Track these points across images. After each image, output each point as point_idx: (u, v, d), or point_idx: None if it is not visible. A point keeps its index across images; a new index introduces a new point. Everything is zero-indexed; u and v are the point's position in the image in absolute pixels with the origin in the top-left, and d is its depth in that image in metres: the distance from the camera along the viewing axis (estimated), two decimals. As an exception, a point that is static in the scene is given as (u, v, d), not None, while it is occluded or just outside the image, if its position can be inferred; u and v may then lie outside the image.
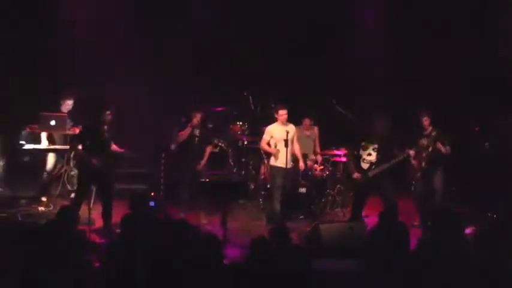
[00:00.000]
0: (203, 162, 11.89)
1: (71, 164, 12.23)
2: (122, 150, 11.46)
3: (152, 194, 10.07)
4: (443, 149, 11.48)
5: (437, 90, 14.13)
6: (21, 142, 11.99)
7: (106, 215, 11.01)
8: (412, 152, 11.27)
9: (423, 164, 11.63)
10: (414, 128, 11.83)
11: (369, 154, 11.13)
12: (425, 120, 11.71)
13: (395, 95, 14.37)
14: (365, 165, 11.16)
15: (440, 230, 8.27)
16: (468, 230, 9.54)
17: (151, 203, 9.88)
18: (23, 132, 12.19)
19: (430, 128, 11.69)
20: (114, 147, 11.34)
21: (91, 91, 12.84)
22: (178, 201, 11.92)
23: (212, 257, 7.73)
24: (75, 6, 13.64)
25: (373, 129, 11.16)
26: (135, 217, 9.06)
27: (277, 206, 11.65)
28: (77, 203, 10.78)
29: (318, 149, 13.11)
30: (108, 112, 11.02)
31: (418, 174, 11.77)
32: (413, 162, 11.65)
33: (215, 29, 14.95)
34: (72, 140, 11.29)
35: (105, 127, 11.04)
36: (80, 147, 10.95)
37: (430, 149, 11.56)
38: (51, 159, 12.43)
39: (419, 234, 10.26)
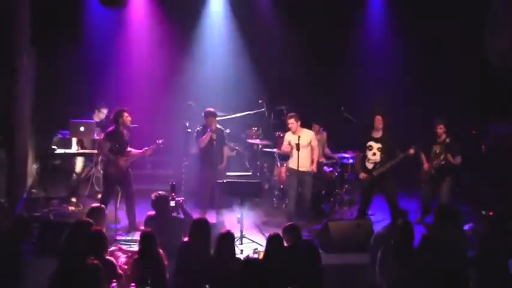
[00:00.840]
0: (224, 164, 12.00)
1: (99, 167, 12.35)
2: (142, 151, 11.53)
3: (173, 194, 10.13)
4: (452, 160, 11.46)
5: (439, 95, 14.17)
6: (53, 147, 12.13)
7: (130, 213, 11.14)
8: (412, 151, 11.25)
9: (433, 170, 11.62)
10: (429, 134, 11.84)
11: (374, 154, 11.30)
12: (440, 128, 11.72)
13: (399, 100, 14.46)
14: (370, 165, 11.34)
15: (441, 227, 8.37)
16: (467, 227, 9.60)
17: (172, 203, 9.95)
18: (55, 138, 12.36)
19: (444, 136, 11.69)
20: (133, 151, 11.43)
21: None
22: (198, 201, 12.03)
23: (230, 252, 7.85)
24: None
25: (376, 130, 11.29)
26: (157, 216, 9.18)
27: (291, 205, 11.80)
28: (104, 203, 10.88)
29: (326, 152, 13.17)
30: (126, 114, 11.14)
31: (427, 179, 11.76)
32: (425, 165, 11.67)
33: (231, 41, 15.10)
34: (103, 145, 11.38)
35: (125, 131, 11.16)
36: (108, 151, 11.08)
37: (442, 157, 11.53)
38: (79, 162, 12.59)
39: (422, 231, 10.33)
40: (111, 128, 11.23)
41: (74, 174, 12.50)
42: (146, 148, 11.59)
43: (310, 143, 11.77)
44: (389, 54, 15.07)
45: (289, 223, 8.72)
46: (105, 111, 12.68)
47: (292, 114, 11.83)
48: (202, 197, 11.97)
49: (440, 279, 7.49)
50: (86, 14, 13.65)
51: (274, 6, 15.14)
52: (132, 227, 11.04)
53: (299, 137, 11.49)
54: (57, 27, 12.82)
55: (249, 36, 15.08)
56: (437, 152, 11.66)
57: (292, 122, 11.71)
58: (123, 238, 10.56)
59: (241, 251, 9.87)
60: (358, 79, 15.12)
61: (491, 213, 10.76)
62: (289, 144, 11.70)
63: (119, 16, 13.80)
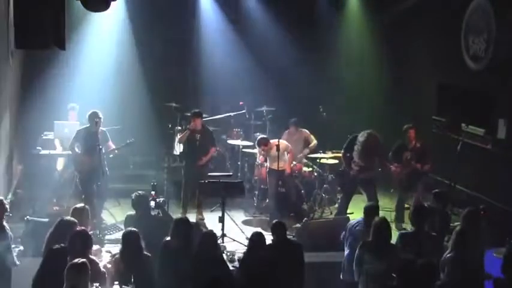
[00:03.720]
0: (205, 159, 12.04)
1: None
2: (112, 149, 11.45)
3: (154, 194, 10.08)
4: (421, 169, 11.42)
5: (417, 100, 14.20)
6: (37, 148, 12.01)
7: (96, 213, 10.98)
8: (393, 168, 11.32)
9: (403, 175, 11.56)
10: (399, 140, 11.80)
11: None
12: (411, 133, 11.64)
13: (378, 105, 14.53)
14: (356, 167, 11.23)
15: (418, 226, 8.36)
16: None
17: (152, 203, 9.88)
18: (40, 139, 12.23)
19: (414, 141, 11.62)
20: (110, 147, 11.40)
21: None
22: (180, 199, 12.08)
23: (212, 250, 7.79)
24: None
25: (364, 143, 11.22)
26: (137, 215, 9.09)
27: (271, 203, 11.96)
28: (86, 202, 10.79)
29: (313, 143, 13.14)
30: (97, 120, 11.08)
31: (397, 184, 11.69)
32: (394, 169, 11.60)
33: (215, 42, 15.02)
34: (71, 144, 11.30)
35: (99, 130, 11.07)
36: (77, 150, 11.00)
37: (412, 163, 11.47)
38: (60, 162, 12.49)
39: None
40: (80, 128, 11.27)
41: (56, 172, 12.40)
42: (117, 147, 11.56)
43: (285, 150, 11.97)
44: (366, 54, 15.10)
45: (276, 220, 8.69)
46: (76, 112, 12.53)
47: (262, 141, 11.98)
48: (184, 196, 11.98)
49: (417, 276, 7.48)
50: (71, 16, 13.57)
51: (255, 7, 15.09)
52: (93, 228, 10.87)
53: (278, 140, 11.75)
54: (43, 29, 12.66)
55: (231, 37, 15.04)
56: (409, 158, 11.59)
57: (263, 149, 11.97)
58: (107, 237, 10.46)
59: (223, 249, 9.83)
60: (333, 79, 15.14)
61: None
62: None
63: (102, 17, 13.67)
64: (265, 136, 12.29)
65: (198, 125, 11.87)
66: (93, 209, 10.68)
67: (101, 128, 11.17)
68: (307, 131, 13.20)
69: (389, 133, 12.31)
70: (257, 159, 12.66)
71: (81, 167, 11.07)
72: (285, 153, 12.03)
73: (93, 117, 11.02)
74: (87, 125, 11.12)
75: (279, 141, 11.71)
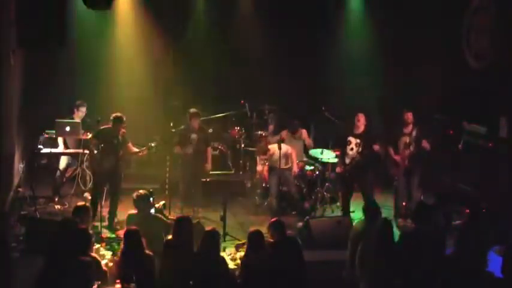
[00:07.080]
0: (208, 165, 12.08)
1: (84, 166, 12.26)
2: (133, 152, 11.47)
3: (151, 200, 10.10)
4: (427, 146, 11.39)
5: (419, 99, 14.17)
6: (39, 146, 12.02)
7: (110, 213, 11.04)
8: (376, 147, 11.31)
9: (406, 161, 11.54)
10: (396, 126, 11.81)
11: (351, 149, 11.46)
12: (408, 117, 11.61)
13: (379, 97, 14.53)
14: (347, 160, 11.50)
15: (419, 224, 8.36)
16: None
17: (152, 210, 9.89)
18: (41, 138, 12.26)
19: (411, 126, 11.61)
20: (131, 149, 11.41)
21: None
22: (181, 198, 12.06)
23: (214, 249, 7.80)
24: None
25: (356, 127, 11.43)
26: (139, 214, 9.10)
27: (273, 201, 11.93)
28: (94, 202, 10.82)
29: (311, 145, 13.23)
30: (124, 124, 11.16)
31: (401, 172, 11.65)
32: (396, 158, 11.58)
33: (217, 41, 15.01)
34: (88, 144, 11.30)
35: (121, 132, 11.08)
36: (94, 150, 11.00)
37: (411, 147, 11.46)
38: (63, 160, 12.49)
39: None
40: (101, 127, 11.19)
41: (58, 171, 12.41)
42: (138, 150, 11.55)
43: (286, 152, 12.09)
44: (367, 54, 15.08)
45: (274, 219, 8.68)
46: (83, 109, 12.51)
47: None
48: (183, 194, 12.04)
49: (419, 274, 7.50)
50: (72, 14, 13.58)
51: (255, 6, 15.08)
52: (110, 227, 10.93)
53: (279, 143, 11.85)
54: (44, 27, 12.67)
55: (231, 36, 15.03)
56: (407, 142, 11.58)
57: (262, 158, 12.31)
58: (108, 236, 10.47)
59: (224, 248, 9.83)
60: (336, 79, 15.12)
61: (467, 211, 10.76)
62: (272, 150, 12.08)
63: (105, 16, 13.67)
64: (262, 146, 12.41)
65: (195, 125, 11.94)
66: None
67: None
68: (305, 131, 13.23)
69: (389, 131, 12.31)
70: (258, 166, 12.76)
71: (98, 167, 11.09)
72: (286, 153, 12.10)
73: (121, 121, 11.07)
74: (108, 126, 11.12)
75: (280, 144, 11.77)
